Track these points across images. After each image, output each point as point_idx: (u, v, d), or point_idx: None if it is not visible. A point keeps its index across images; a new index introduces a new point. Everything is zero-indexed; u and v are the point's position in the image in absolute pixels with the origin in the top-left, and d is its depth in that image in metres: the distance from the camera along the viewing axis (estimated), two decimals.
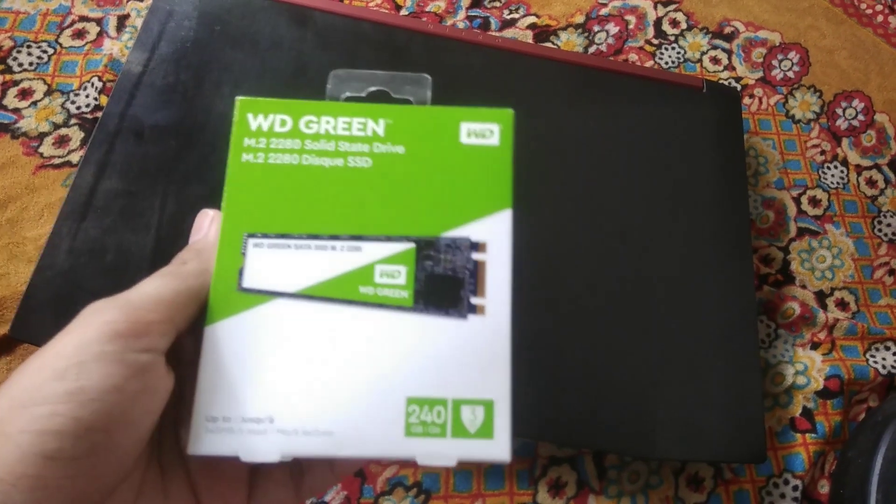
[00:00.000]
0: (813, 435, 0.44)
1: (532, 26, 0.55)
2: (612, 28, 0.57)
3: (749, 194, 0.45)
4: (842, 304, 0.49)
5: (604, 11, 0.57)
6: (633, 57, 0.56)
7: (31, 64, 0.47)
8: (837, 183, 0.54)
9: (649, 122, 0.45)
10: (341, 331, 0.22)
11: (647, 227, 0.42)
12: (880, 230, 0.53)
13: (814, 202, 0.53)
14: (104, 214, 0.37)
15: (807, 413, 0.45)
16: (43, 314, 0.35)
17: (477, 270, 0.22)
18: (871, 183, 0.55)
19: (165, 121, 0.40)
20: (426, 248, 0.22)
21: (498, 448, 0.21)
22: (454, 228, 0.23)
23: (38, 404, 0.17)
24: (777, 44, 0.59)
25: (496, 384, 0.21)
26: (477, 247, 0.23)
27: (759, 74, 0.57)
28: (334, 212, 0.23)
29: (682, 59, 0.56)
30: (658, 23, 0.58)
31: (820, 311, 0.47)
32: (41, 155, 0.44)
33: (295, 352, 0.21)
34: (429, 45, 0.44)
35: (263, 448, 0.20)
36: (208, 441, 0.20)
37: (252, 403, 0.21)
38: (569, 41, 0.55)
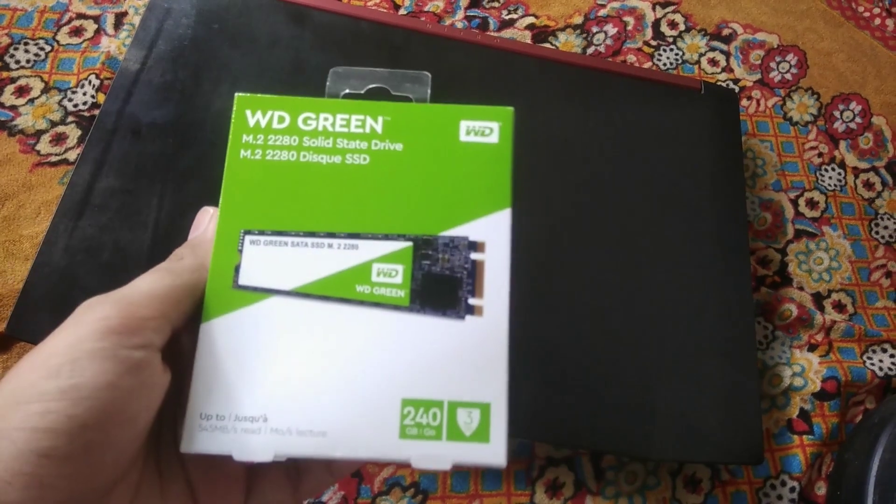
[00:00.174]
0: (810, 437, 0.44)
1: (530, 27, 0.55)
2: (611, 29, 0.57)
3: (746, 196, 0.45)
4: (839, 306, 0.50)
5: (602, 12, 0.57)
6: (631, 58, 0.56)
7: (28, 61, 0.47)
8: (835, 185, 0.54)
9: (647, 123, 0.45)
10: (337, 330, 0.21)
11: (644, 229, 0.42)
12: (877, 232, 0.53)
13: (811, 204, 0.53)
14: (101, 212, 0.37)
15: (804, 415, 0.45)
16: (39, 312, 0.35)
17: (475, 271, 0.22)
18: (869, 185, 0.55)
19: (163, 119, 0.39)
20: (424, 247, 0.22)
21: (493, 452, 0.21)
22: (452, 227, 0.22)
23: (31, 402, 0.17)
24: (775, 46, 0.59)
25: (493, 387, 0.21)
26: (475, 246, 0.22)
27: (757, 76, 0.57)
28: (331, 209, 0.22)
29: (680, 61, 0.56)
30: (656, 24, 0.58)
31: (817, 312, 0.47)
32: (38, 152, 0.44)
33: (290, 351, 0.21)
34: (427, 45, 0.44)
35: (257, 447, 0.20)
36: (201, 439, 0.20)
37: (246, 402, 0.21)
38: (567, 42, 0.55)
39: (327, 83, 0.26)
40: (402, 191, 0.23)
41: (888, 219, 0.53)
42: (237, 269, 0.22)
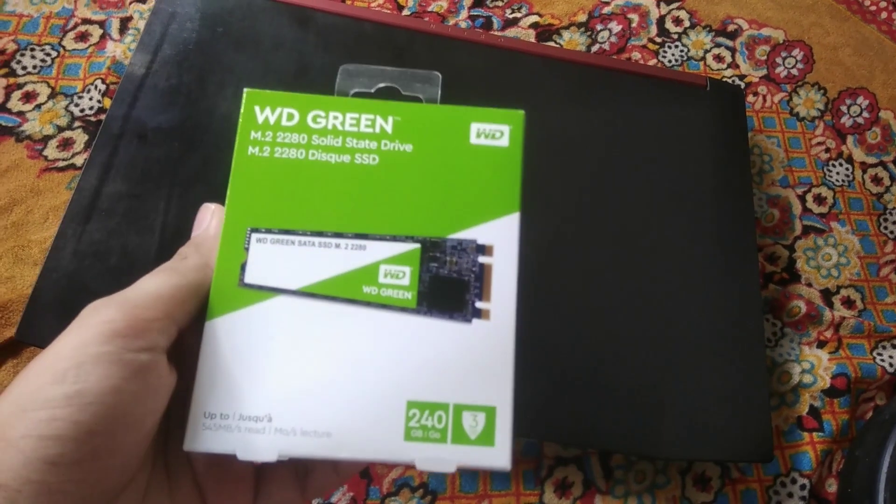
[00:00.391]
0: (820, 434, 0.44)
1: (534, 25, 0.55)
2: (615, 26, 0.56)
3: (754, 192, 0.45)
4: (848, 303, 0.49)
5: (606, 10, 0.57)
6: (636, 55, 0.56)
7: (34, 67, 0.47)
8: (843, 180, 0.54)
9: (652, 120, 0.45)
10: (343, 330, 0.21)
11: (650, 226, 0.42)
12: (886, 228, 0.53)
13: (819, 200, 0.53)
14: (108, 217, 0.37)
15: (814, 412, 0.44)
16: (48, 317, 0.35)
17: (483, 274, 0.22)
18: (877, 180, 0.54)
19: (169, 123, 0.40)
20: (432, 250, 0.22)
21: (498, 456, 0.21)
22: (461, 230, 0.22)
23: (38, 409, 0.17)
24: (781, 41, 0.59)
25: (499, 391, 0.21)
26: (484, 250, 0.22)
27: (763, 72, 0.57)
28: (339, 209, 0.22)
29: (685, 58, 0.56)
30: (661, 21, 0.58)
31: (826, 309, 0.47)
32: (45, 158, 0.44)
33: (296, 350, 0.21)
34: (431, 45, 0.44)
35: (261, 447, 0.20)
36: (205, 438, 0.20)
37: (251, 401, 0.20)
38: (571, 40, 0.55)
39: (337, 80, 0.26)
40: (411, 192, 0.23)
41: None
42: (243, 267, 0.22)
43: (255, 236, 0.22)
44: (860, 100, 0.57)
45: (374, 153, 0.23)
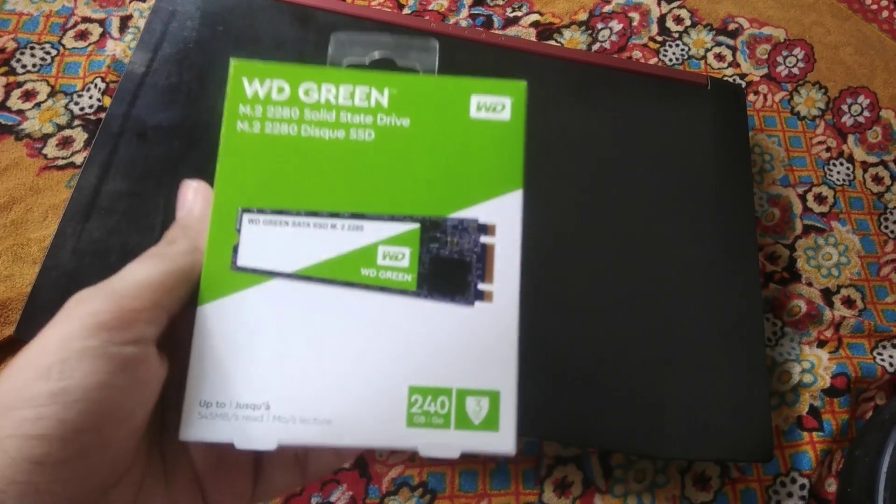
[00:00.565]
0: (820, 433, 0.44)
1: (535, 24, 0.55)
2: (616, 25, 0.56)
3: (754, 192, 0.45)
4: (848, 302, 0.49)
5: (607, 9, 0.57)
6: (636, 54, 0.55)
7: (34, 65, 0.47)
8: (843, 180, 0.54)
9: (653, 119, 0.45)
10: (341, 315, 0.21)
11: (651, 225, 0.42)
12: (886, 227, 0.52)
13: (819, 199, 0.52)
14: (108, 215, 0.37)
15: (814, 411, 0.44)
16: (48, 315, 0.34)
17: (485, 254, 0.21)
18: (878, 179, 0.54)
19: (169, 121, 0.40)
20: (432, 229, 0.21)
21: (503, 441, 0.20)
22: (462, 209, 0.21)
23: (22, 407, 0.16)
24: (782, 40, 0.59)
25: (502, 375, 0.21)
26: (486, 229, 0.21)
27: (764, 71, 0.57)
28: (334, 188, 0.21)
29: (686, 56, 0.56)
30: (662, 20, 0.57)
31: (826, 308, 0.47)
32: (45, 156, 0.44)
33: (293, 336, 0.20)
34: None
35: (259, 435, 0.20)
36: (201, 427, 0.20)
37: (247, 389, 0.20)
38: (572, 39, 0.55)
39: (329, 50, 0.25)
40: (409, 169, 0.21)
41: None
42: (235, 249, 0.21)
43: (246, 217, 0.21)
44: (861, 99, 0.57)
45: (370, 128, 0.22)
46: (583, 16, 0.56)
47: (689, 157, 0.44)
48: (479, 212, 0.21)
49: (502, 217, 0.21)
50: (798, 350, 0.46)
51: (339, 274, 0.21)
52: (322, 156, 0.21)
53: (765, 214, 0.51)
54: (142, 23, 0.49)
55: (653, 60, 0.55)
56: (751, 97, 0.55)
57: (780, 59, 0.58)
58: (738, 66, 0.57)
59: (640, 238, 0.41)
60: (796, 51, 0.58)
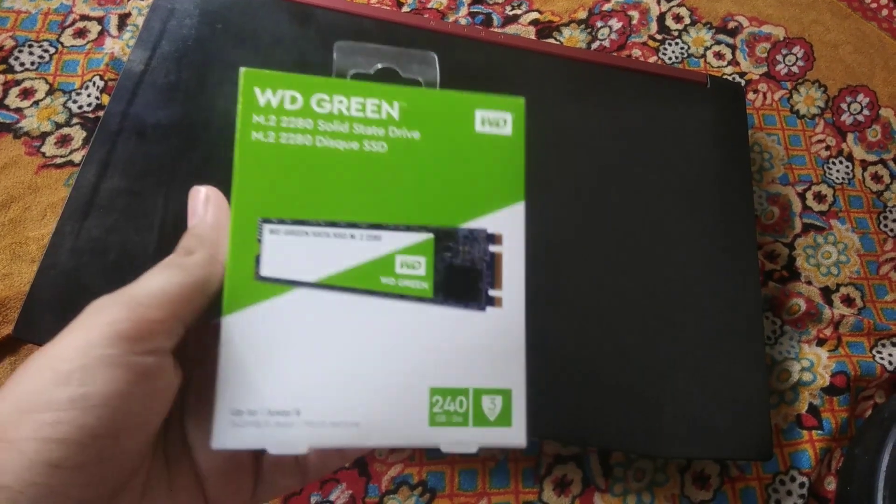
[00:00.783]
0: (819, 432, 0.44)
1: (535, 22, 0.55)
2: (615, 24, 0.56)
3: (754, 190, 0.45)
4: (847, 301, 0.49)
5: (607, 7, 0.57)
6: (636, 52, 0.55)
7: (32, 63, 0.47)
8: (843, 178, 0.54)
9: (653, 117, 0.45)
10: (364, 322, 0.21)
11: (651, 224, 0.42)
12: (886, 226, 0.52)
13: (819, 198, 0.52)
14: (107, 214, 0.37)
15: (813, 410, 0.44)
16: (46, 314, 0.35)
17: (494, 262, 0.22)
18: (877, 178, 0.54)
19: (168, 119, 0.39)
20: (445, 239, 0.22)
21: (516, 435, 0.22)
22: (471, 219, 0.22)
23: (42, 411, 0.17)
24: (781, 38, 0.59)
25: (513, 374, 0.22)
26: (494, 239, 0.23)
27: (764, 69, 0.57)
28: (351, 198, 0.22)
29: (685, 55, 0.56)
30: (661, 18, 0.57)
31: (826, 307, 0.47)
32: (43, 154, 0.44)
33: (318, 343, 0.21)
34: (431, 42, 0.44)
35: (291, 440, 0.20)
36: (234, 435, 0.20)
37: (278, 396, 0.20)
38: (572, 37, 0.55)
39: (334, 58, 0.25)
40: (421, 181, 0.22)
41: None
42: (258, 259, 0.21)
43: (266, 227, 0.21)
44: (860, 97, 0.57)
45: (383, 140, 0.22)
46: (582, 14, 0.56)
47: (688, 155, 0.44)
48: (487, 222, 0.23)
49: (508, 227, 0.23)
50: (797, 348, 0.46)
51: (361, 282, 0.22)
52: (338, 166, 0.22)
53: (764, 213, 0.51)
54: (140, 21, 0.49)
55: (652, 59, 0.55)
56: (750, 96, 0.55)
57: (779, 57, 0.58)
58: (738, 64, 0.57)
59: (639, 236, 0.41)
60: (796, 49, 0.58)
